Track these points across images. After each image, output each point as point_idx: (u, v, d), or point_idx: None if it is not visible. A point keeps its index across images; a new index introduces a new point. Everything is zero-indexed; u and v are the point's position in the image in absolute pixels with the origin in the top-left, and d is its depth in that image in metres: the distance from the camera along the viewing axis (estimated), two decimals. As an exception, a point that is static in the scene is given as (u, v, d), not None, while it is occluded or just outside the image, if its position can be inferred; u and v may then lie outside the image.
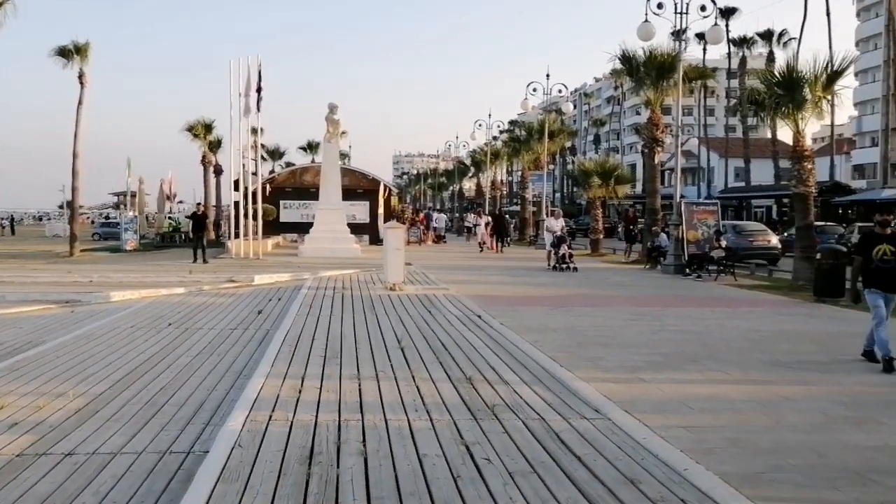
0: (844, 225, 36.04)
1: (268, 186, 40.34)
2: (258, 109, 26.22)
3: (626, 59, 27.59)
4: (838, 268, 15.35)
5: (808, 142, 19.03)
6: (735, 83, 72.84)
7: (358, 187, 39.67)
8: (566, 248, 23.58)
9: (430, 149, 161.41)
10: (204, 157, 46.62)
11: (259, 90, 25.84)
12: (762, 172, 72.24)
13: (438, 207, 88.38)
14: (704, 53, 62.01)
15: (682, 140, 25.51)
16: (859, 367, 8.84)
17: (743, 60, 66.18)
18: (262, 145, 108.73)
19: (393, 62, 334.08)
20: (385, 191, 40.64)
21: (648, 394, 7.39)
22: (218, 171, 47.18)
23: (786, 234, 38.43)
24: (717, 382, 7.97)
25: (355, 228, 34.87)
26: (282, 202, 39.98)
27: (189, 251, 26.36)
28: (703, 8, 22.60)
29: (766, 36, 64.88)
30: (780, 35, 64.21)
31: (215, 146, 47.00)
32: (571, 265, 22.81)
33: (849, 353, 9.69)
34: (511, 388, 7.48)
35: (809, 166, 18.62)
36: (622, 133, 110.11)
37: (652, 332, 11.21)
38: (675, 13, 22.59)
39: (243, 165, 29.92)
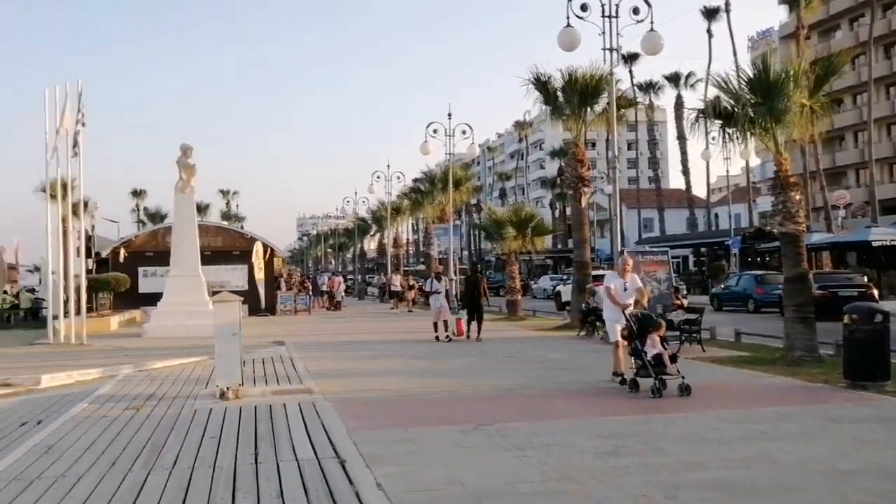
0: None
1: (122, 251, 33.87)
2: (75, 153, 19.96)
3: (541, 83, 23.08)
4: (881, 335, 10.52)
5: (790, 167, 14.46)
6: (641, 135, 70.62)
7: (234, 248, 33.78)
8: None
9: (333, 208, 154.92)
10: (64, 220, 39.64)
11: (79, 125, 19.70)
12: (674, 222, 70.02)
13: (333, 269, 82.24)
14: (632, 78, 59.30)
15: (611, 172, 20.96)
16: None
17: (651, 106, 63.95)
18: (145, 208, 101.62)
19: (286, 122, 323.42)
20: (266, 252, 34.67)
21: None
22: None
23: (722, 286, 34.46)
24: None
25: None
26: (141, 269, 33.37)
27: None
28: (636, 11, 18.17)
29: (674, 79, 62.81)
30: (688, 77, 62.23)
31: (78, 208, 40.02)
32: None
33: None
34: None
35: (798, 197, 14.04)
36: (527, 187, 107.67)
37: (675, 486, 5.89)
38: (602, 17, 18.09)
39: (93, 227, 23.75)
